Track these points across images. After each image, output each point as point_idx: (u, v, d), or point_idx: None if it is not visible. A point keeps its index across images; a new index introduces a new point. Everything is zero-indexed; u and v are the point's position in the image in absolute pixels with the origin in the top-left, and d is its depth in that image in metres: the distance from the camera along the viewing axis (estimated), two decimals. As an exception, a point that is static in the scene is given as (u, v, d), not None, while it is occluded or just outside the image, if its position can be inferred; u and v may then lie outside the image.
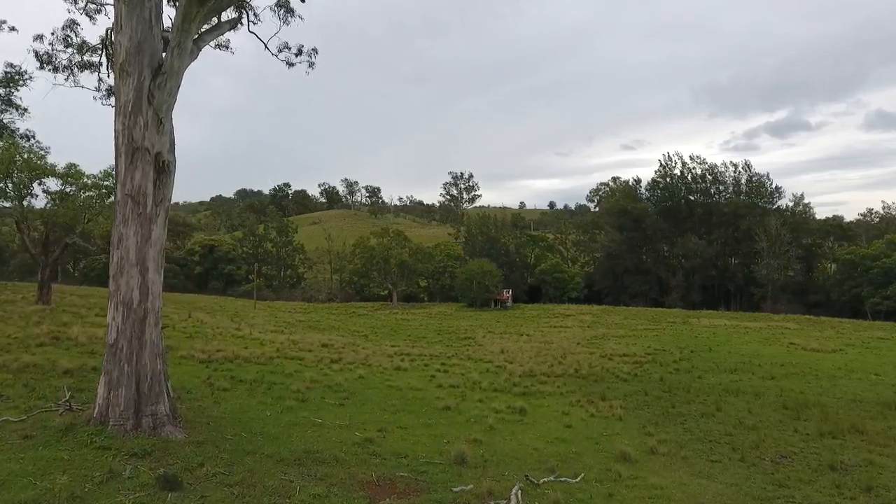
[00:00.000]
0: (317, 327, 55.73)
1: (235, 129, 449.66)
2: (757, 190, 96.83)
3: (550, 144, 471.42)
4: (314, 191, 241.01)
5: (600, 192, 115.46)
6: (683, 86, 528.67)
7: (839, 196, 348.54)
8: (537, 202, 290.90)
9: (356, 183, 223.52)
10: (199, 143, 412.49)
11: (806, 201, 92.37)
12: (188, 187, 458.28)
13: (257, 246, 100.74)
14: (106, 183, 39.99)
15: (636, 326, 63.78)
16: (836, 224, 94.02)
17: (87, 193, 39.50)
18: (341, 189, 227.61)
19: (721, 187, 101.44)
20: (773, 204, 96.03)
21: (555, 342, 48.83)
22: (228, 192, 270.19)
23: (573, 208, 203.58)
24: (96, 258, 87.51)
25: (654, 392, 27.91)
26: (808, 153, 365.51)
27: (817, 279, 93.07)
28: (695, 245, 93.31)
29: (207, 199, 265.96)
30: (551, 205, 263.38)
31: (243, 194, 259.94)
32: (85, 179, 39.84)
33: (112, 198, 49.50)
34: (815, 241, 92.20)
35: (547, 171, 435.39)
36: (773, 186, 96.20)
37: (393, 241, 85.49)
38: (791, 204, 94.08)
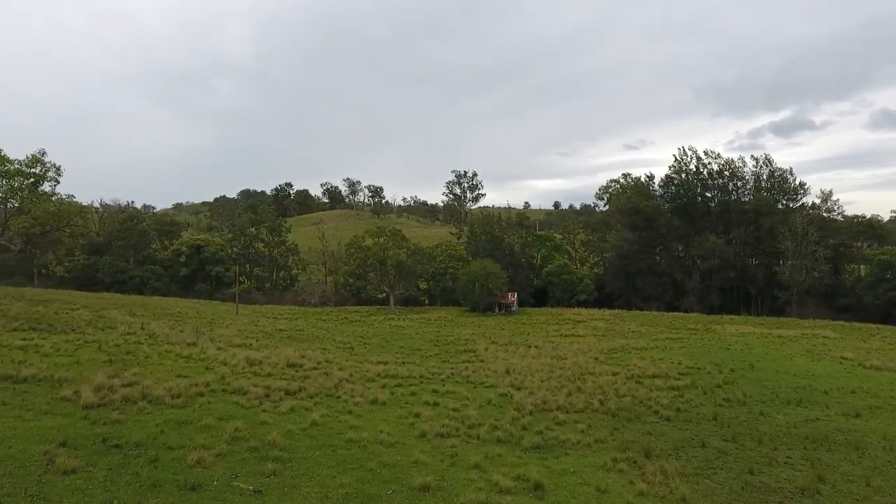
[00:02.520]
0: (297, 338, 48.23)
1: (239, 130, 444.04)
2: (780, 186, 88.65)
3: (553, 144, 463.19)
4: (317, 191, 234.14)
5: (610, 190, 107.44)
6: (686, 85, 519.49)
7: (847, 196, 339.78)
8: (541, 202, 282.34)
9: (358, 183, 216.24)
10: (203, 145, 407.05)
11: (834, 198, 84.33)
12: (191, 188, 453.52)
13: (248, 246, 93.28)
14: (34, 170, 32.49)
15: (656, 335, 56.01)
16: (866, 223, 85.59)
17: (8, 182, 31.98)
18: (343, 189, 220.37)
19: (739, 183, 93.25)
20: (798, 201, 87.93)
21: (568, 357, 41.16)
22: (232, 193, 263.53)
23: (578, 208, 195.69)
24: (75, 258, 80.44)
25: (714, 441, 20.25)
26: (813, 153, 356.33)
27: (846, 281, 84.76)
28: (713, 245, 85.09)
29: (211, 200, 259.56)
30: (556, 205, 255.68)
31: (246, 194, 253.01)
32: (7, 166, 32.30)
33: (43, 186, 42.59)
34: (844, 241, 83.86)
35: (550, 172, 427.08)
36: (797, 182, 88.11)
37: (390, 241, 77.84)
38: (818, 201, 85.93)
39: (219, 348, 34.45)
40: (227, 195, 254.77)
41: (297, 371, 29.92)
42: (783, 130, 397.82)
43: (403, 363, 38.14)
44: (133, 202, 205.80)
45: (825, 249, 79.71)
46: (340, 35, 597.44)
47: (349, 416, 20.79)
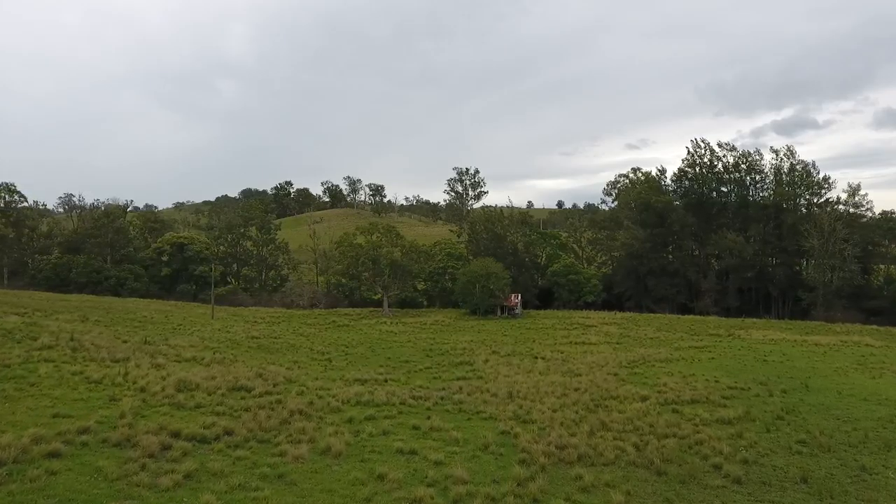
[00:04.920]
0: (268, 348, 41.16)
1: (242, 130, 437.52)
2: (802, 180, 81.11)
3: (555, 144, 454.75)
4: (318, 190, 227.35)
5: (619, 185, 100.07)
6: (688, 85, 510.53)
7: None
8: (544, 202, 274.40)
9: (359, 181, 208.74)
10: (206, 145, 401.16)
11: (863, 192, 76.49)
12: (194, 188, 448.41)
13: (235, 244, 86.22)
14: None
15: (677, 342, 48.85)
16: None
17: None
18: (344, 187, 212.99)
19: (757, 177, 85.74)
20: (822, 196, 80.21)
21: (583, 372, 33.98)
22: (234, 192, 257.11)
23: (582, 208, 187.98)
24: (44, 258, 73.68)
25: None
26: (817, 152, 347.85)
27: (875, 282, 77.25)
28: (731, 243, 77.50)
29: (213, 199, 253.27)
30: (559, 204, 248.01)
31: (248, 194, 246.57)
32: None
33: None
34: (873, 238, 76.18)
35: (552, 171, 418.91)
36: (821, 176, 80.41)
37: (383, 238, 70.66)
38: (844, 195, 78.16)
39: (154, 365, 27.42)
40: (230, 195, 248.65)
41: (240, 399, 22.87)
42: (786, 129, 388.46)
43: (385, 381, 31.11)
44: (132, 201, 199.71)
45: (854, 248, 72.14)
46: (341, 35, 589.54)
47: (274, 488, 13.68)
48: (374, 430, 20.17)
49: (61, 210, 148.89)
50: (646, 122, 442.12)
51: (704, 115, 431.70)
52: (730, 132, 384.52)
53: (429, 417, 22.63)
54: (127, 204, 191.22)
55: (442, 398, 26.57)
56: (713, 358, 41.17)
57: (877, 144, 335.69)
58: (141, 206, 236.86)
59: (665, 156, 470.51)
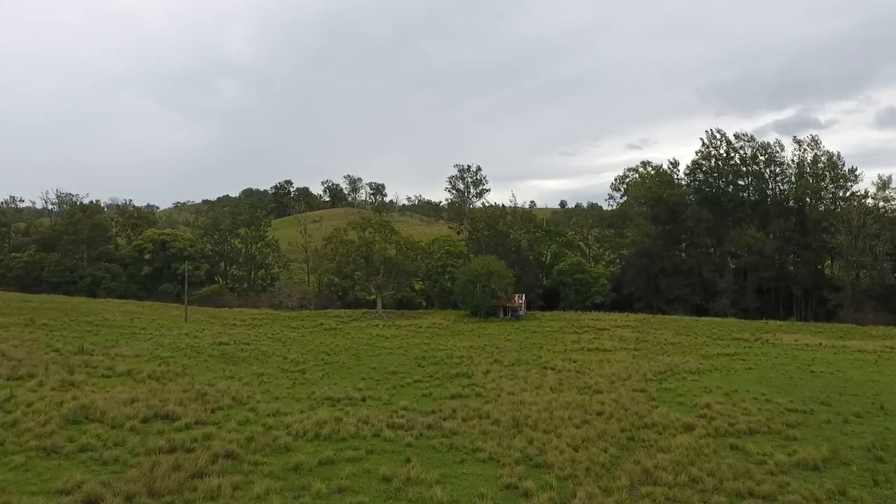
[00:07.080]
0: (234, 357, 34.92)
1: (242, 130, 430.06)
2: (826, 172, 74.54)
3: (556, 144, 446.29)
4: (319, 189, 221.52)
5: (627, 180, 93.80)
6: (689, 85, 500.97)
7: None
8: (547, 202, 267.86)
9: (359, 180, 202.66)
10: (207, 145, 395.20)
11: (894, 186, 69.79)
12: (195, 188, 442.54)
13: (222, 242, 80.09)
14: None
15: (703, 349, 42.67)
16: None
17: None
18: (345, 186, 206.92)
19: (777, 169, 79.27)
20: (847, 190, 73.68)
21: (604, 389, 27.66)
22: (235, 192, 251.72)
23: (585, 207, 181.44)
24: (16, 256, 67.68)
25: None
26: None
27: (903, 281, 70.83)
28: (751, 239, 71.04)
29: (213, 199, 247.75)
30: (562, 204, 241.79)
31: (248, 193, 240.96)
32: None
33: None
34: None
35: (553, 172, 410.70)
36: (847, 168, 73.69)
37: (376, 234, 64.51)
38: (873, 189, 71.55)
39: (65, 384, 21.23)
40: (231, 194, 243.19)
41: (154, 434, 16.69)
42: (788, 129, 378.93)
43: (363, 399, 24.89)
44: (131, 200, 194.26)
45: (885, 245, 65.63)
46: (341, 35, 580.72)
47: None
48: (325, 486, 13.95)
49: (56, 209, 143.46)
50: (646, 122, 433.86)
51: (706, 115, 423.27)
52: (731, 132, 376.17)
53: (408, 460, 16.41)
54: (126, 203, 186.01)
55: (429, 426, 20.35)
56: (751, 368, 34.91)
57: (879, 144, 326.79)
58: (142, 206, 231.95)
59: (666, 156, 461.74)
